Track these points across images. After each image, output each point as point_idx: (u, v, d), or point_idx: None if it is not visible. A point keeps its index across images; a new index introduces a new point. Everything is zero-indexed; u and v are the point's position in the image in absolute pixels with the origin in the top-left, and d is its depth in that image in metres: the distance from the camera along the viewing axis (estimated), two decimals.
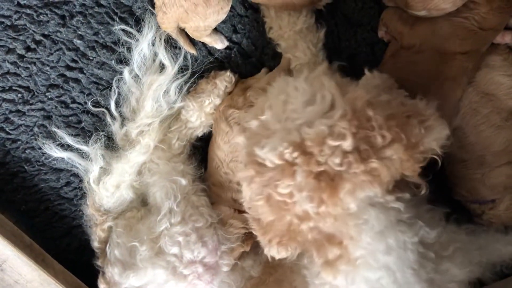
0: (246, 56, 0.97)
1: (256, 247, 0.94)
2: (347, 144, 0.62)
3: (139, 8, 0.95)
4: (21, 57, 0.99)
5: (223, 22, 0.92)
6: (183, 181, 0.92)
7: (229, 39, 0.96)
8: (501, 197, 0.93)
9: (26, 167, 1.10)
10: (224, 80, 0.94)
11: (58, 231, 1.17)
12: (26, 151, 1.08)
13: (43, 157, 1.09)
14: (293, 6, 0.87)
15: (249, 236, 0.90)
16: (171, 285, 0.87)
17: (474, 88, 0.87)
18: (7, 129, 1.06)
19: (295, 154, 0.63)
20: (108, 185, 1.00)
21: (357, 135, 0.63)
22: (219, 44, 0.93)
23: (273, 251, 0.72)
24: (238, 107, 0.90)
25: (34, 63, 0.99)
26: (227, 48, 0.97)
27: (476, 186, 0.92)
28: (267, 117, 0.69)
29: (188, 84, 0.97)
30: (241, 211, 0.91)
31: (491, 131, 0.87)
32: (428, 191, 0.70)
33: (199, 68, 0.96)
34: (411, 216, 0.71)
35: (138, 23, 0.95)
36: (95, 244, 1.06)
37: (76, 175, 1.10)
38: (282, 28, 0.91)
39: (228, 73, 0.95)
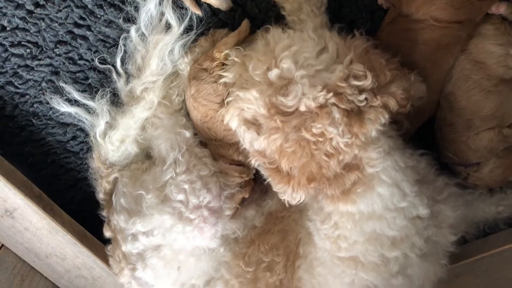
0: (250, 18, 0.98)
1: (258, 198, 1.00)
2: (368, 83, 0.73)
3: None
4: (30, 12, 1.00)
5: None
6: (187, 133, 0.96)
7: (234, 1, 0.97)
8: (485, 160, 0.98)
9: (33, 121, 1.13)
10: (223, 43, 0.96)
11: (64, 183, 1.22)
12: (34, 105, 1.11)
13: (51, 112, 1.11)
14: None
15: (247, 183, 0.95)
16: (177, 229, 0.92)
17: (466, 56, 0.90)
18: (15, 83, 1.08)
19: (329, 95, 0.72)
20: (113, 139, 1.04)
21: (372, 76, 0.73)
22: (224, 5, 0.95)
23: (297, 195, 0.80)
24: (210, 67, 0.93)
25: (43, 19, 1.01)
26: (231, 9, 0.98)
27: (463, 148, 0.97)
28: (286, 66, 0.75)
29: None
30: (233, 163, 0.96)
31: (481, 95, 0.91)
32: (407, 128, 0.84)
33: (204, 29, 0.98)
34: (402, 145, 0.82)
35: None
36: (100, 196, 1.11)
37: (82, 129, 1.13)
38: None
39: (226, 31, 0.96)
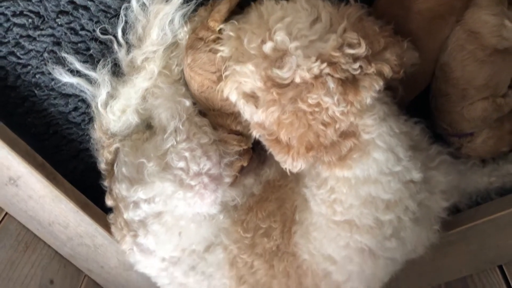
0: None
1: (256, 167, 1.02)
2: (362, 50, 0.74)
3: None
4: None
5: None
6: (187, 102, 0.98)
7: None
8: (478, 131, 1.00)
9: (36, 92, 1.14)
10: (217, 11, 0.95)
11: (65, 154, 1.23)
12: (36, 76, 1.12)
13: (52, 82, 1.13)
14: None
15: (245, 151, 0.98)
16: (178, 195, 0.94)
17: (461, 26, 0.92)
18: (18, 53, 1.09)
19: (323, 66, 0.73)
20: (115, 109, 1.05)
21: (366, 44, 0.75)
22: None
23: (297, 164, 0.82)
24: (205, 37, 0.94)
25: None
26: None
27: (457, 118, 0.99)
28: (280, 38, 0.77)
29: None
30: (232, 131, 0.98)
31: (475, 65, 0.92)
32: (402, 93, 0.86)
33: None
34: (397, 111, 0.85)
35: None
36: (102, 166, 1.13)
37: (83, 100, 1.15)
38: None
39: (223, 6, 0.95)
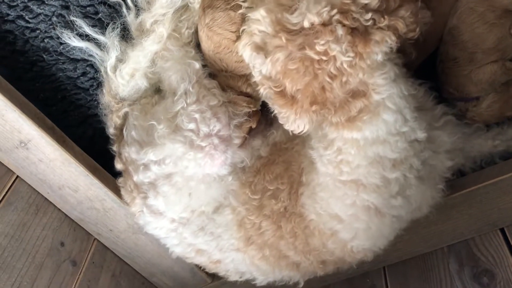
0: None
1: (263, 130, 1.04)
2: (375, 2, 0.73)
3: None
4: None
5: None
6: (197, 65, 0.99)
7: None
8: (484, 95, 1.01)
9: (44, 56, 1.15)
10: None
11: (74, 119, 1.24)
12: (45, 40, 1.12)
13: (61, 47, 1.13)
14: None
15: (254, 113, 0.99)
16: (189, 156, 0.96)
17: None
18: (26, 17, 1.09)
19: (334, 12, 0.73)
20: (124, 73, 1.06)
21: None
22: None
23: (302, 120, 0.82)
24: None
25: None
26: None
27: (464, 82, 1.00)
28: None
29: None
30: (242, 93, 0.99)
31: (485, 28, 0.92)
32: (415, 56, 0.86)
33: None
34: (406, 74, 0.85)
35: None
36: (111, 131, 1.15)
37: (92, 65, 1.15)
38: None
39: None
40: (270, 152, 1.05)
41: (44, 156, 1.13)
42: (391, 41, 0.75)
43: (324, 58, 0.75)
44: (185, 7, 1.02)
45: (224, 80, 1.00)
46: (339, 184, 0.89)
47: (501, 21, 0.92)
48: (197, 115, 0.95)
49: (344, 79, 0.76)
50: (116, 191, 1.18)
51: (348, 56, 0.74)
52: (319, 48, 0.74)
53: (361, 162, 0.85)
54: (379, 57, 0.76)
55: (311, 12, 0.74)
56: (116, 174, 1.18)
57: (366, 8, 0.74)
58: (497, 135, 1.08)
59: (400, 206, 0.88)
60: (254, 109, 0.99)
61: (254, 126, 1.01)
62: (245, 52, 0.83)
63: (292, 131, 0.85)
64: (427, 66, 1.05)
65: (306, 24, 0.75)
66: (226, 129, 0.96)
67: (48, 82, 1.19)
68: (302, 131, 0.84)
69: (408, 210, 0.91)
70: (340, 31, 0.73)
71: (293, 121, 0.83)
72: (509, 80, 1.00)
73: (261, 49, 0.81)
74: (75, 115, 1.25)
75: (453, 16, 0.95)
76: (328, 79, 0.76)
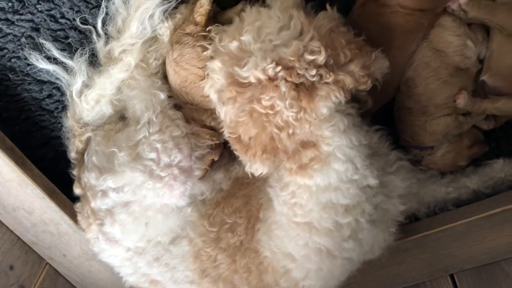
0: None
1: (226, 163, 1.05)
2: (321, 58, 0.76)
3: None
4: None
5: None
6: (162, 95, 1.00)
7: None
8: (439, 145, 1.06)
9: (10, 76, 1.14)
10: (199, 5, 0.97)
11: (36, 140, 1.23)
12: (12, 60, 1.12)
13: (28, 68, 1.13)
14: None
15: (217, 146, 1.01)
16: (148, 185, 0.96)
17: (427, 43, 0.97)
18: None
19: (278, 69, 0.76)
20: (89, 98, 1.06)
21: (327, 52, 0.77)
22: None
23: (256, 166, 0.85)
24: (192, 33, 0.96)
25: None
26: None
27: (418, 132, 1.04)
28: (246, 39, 0.79)
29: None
30: (205, 126, 1.01)
31: (437, 84, 0.98)
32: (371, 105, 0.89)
33: None
34: (360, 123, 0.88)
35: None
36: (72, 154, 1.13)
37: (58, 88, 1.15)
38: None
39: (204, 0, 0.96)
40: (231, 186, 1.06)
41: (0, 177, 1.11)
42: (337, 96, 0.78)
43: (270, 111, 0.78)
44: (154, 39, 1.04)
45: (189, 113, 1.02)
46: (293, 224, 0.91)
47: (452, 79, 0.97)
48: (158, 145, 0.96)
49: (290, 131, 0.80)
50: (73, 216, 1.17)
51: (292, 111, 0.77)
52: (265, 102, 0.78)
53: (314, 207, 0.87)
54: (325, 111, 0.79)
55: (258, 68, 0.78)
56: (74, 198, 1.16)
57: (312, 64, 0.77)
58: (450, 182, 1.12)
59: (352, 249, 0.90)
60: (217, 142, 1.01)
61: (216, 159, 1.02)
62: (210, 93, 0.86)
63: (252, 173, 0.88)
64: (387, 112, 1.10)
65: (252, 79, 0.79)
66: (187, 160, 0.97)
67: (12, 102, 1.18)
68: (261, 173, 0.87)
69: (360, 252, 0.93)
70: (283, 87, 0.76)
71: (250, 165, 0.86)
72: (463, 132, 1.05)
73: (221, 94, 0.83)
74: (38, 137, 1.23)
75: (409, 67, 1.00)
76: (276, 130, 0.80)
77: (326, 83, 0.77)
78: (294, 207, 0.88)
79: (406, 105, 1.03)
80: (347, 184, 0.84)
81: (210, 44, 0.92)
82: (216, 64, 0.84)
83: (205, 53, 0.92)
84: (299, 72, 0.76)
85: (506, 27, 0.93)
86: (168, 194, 0.97)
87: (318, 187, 0.85)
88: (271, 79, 0.78)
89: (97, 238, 1.07)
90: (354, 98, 0.85)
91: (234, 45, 0.82)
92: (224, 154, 1.05)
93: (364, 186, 0.87)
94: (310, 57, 0.77)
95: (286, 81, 0.76)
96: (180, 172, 0.97)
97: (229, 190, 1.05)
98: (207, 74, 0.89)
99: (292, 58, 0.77)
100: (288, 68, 0.77)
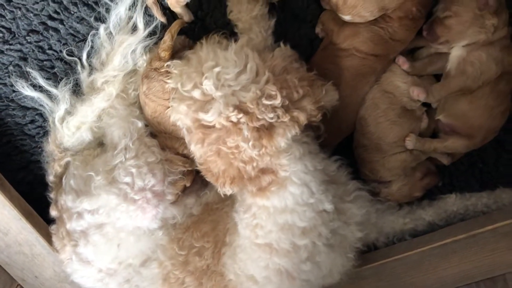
0: (207, 31, 1.09)
1: (198, 189, 1.11)
2: (277, 102, 0.86)
3: None
4: (8, 1, 1.09)
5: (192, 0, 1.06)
6: (139, 124, 1.08)
7: (195, 15, 1.10)
8: (395, 179, 1.14)
9: None
10: (163, 42, 1.04)
11: (16, 164, 1.28)
12: None
13: (13, 94, 1.19)
14: None
15: (189, 172, 1.07)
16: (122, 208, 1.02)
17: (378, 86, 1.07)
18: None
19: (240, 116, 0.85)
20: (70, 125, 1.13)
21: (282, 94, 0.86)
22: (187, 16, 1.07)
23: (226, 190, 0.94)
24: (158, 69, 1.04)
25: (20, 8, 1.10)
26: (192, 22, 1.10)
27: (377, 168, 1.12)
28: (207, 86, 0.88)
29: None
30: (178, 153, 1.08)
31: (387, 124, 1.07)
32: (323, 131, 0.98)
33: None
34: (316, 150, 0.96)
35: None
36: (51, 178, 1.18)
37: (41, 114, 1.22)
38: (241, 12, 1.06)
39: (167, 37, 1.03)
40: (201, 211, 1.12)
41: None
42: (293, 132, 0.88)
43: (235, 151, 0.88)
44: (134, 71, 1.12)
45: (163, 141, 1.09)
46: (254, 247, 0.97)
47: (400, 120, 1.07)
48: (134, 170, 1.02)
49: (255, 164, 0.89)
50: (48, 237, 1.20)
51: (255, 150, 0.87)
52: (230, 144, 0.87)
53: (272, 228, 0.94)
54: (283, 145, 0.88)
55: (221, 115, 0.87)
56: (50, 221, 1.20)
57: (270, 107, 0.86)
58: (407, 214, 1.20)
59: (310, 271, 0.96)
60: (189, 168, 1.07)
61: (188, 184, 1.09)
62: (178, 123, 0.95)
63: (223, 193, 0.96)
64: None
65: (217, 125, 0.88)
66: (160, 185, 1.04)
67: None
68: (230, 193, 0.95)
69: (318, 275, 0.99)
70: (246, 131, 0.86)
71: (220, 189, 0.95)
72: (417, 165, 1.14)
73: (188, 133, 0.92)
74: (17, 160, 1.28)
75: (362, 107, 1.09)
76: (242, 164, 0.89)
77: (283, 122, 0.87)
78: (255, 228, 0.95)
79: (362, 142, 1.12)
80: (303, 207, 0.92)
81: (168, 78, 1.00)
82: (182, 108, 0.92)
83: (166, 86, 1.00)
84: (259, 116, 0.86)
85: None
86: (140, 216, 1.03)
87: (276, 208, 0.92)
88: (234, 124, 0.87)
89: (70, 259, 1.11)
90: (308, 126, 0.94)
91: (197, 92, 0.90)
92: (195, 180, 1.11)
93: (320, 211, 0.94)
94: (268, 102, 0.86)
95: (248, 125, 0.86)
96: (153, 196, 1.03)
97: (199, 215, 1.11)
98: (171, 106, 0.97)
99: (251, 106, 0.86)
100: (248, 114, 0.86)
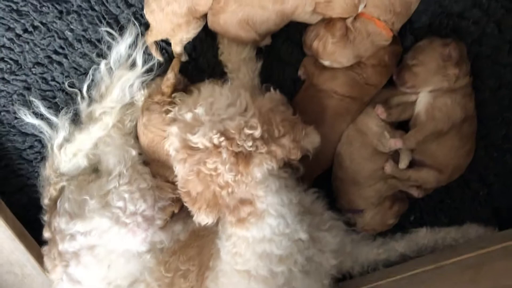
0: (200, 70, 1.22)
1: (185, 216, 1.18)
2: (257, 132, 0.93)
3: (124, 18, 1.18)
4: (18, 36, 1.19)
5: (187, 42, 1.17)
6: (133, 152, 1.16)
7: (189, 55, 1.21)
8: (368, 208, 1.21)
9: None
10: (166, 79, 1.14)
11: (12, 186, 1.35)
12: (1, 113, 1.27)
13: (15, 121, 1.27)
14: (241, 41, 1.14)
15: (177, 199, 1.14)
16: (113, 231, 1.08)
17: (354, 125, 1.17)
18: None
19: (222, 139, 0.92)
20: (68, 151, 1.20)
21: (263, 128, 0.94)
22: (183, 56, 1.18)
23: (201, 217, 0.99)
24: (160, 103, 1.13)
25: (28, 43, 1.20)
26: (186, 61, 1.21)
27: (352, 198, 1.21)
28: (199, 112, 0.97)
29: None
30: (168, 181, 1.15)
31: (361, 160, 1.16)
32: (303, 172, 1.05)
33: (162, 72, 1.20)
34: (293, 185, 1.03)
35: (120, 29, 1.19)
36: (45, 201, 1.24)
37: (40, 141, 1.29)
38: (231, 54, 1.17)
39: (170, 74, 1.14)
40: (188, 237, 1.18)
41: None
42: (269, 164, 0.95)
43: (213, 173, 0.94)
44: (131, 103, 1.21)
45: (155, 169, 1.17)
46: (234, 272, 1.02)
47: (373, 157, 1.16)
48: (126, 195, 1.09)
49: (230, 190, 0.95)
50: (39, 258, 1.25)
51: (231, 174, 0.93)
52: (209, 165, 0.94)
53: (251, 256, 0.99)
54: (259, 175, 0.95)
55: (205, 137, 0.94)
56: (41, 243, 1.24)
57: (250, 136, 0.94)
58: (381, 245, 1.26)
59: None
60: (178, 196, 1.14)
61: (176, 211, 1.16)
62: (170, 150, 1.02)
63: (198, 223, 1.01)
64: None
65: (201, 146, 0.95)
66: (150, 210, 1.11)
67: None
68: (206, 223, 1.00)
69: None
70: (225, 154, 0.92)
71: (197, 216, 1.00)
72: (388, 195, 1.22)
73: (175, 156, 0.99)
74: (14, 183, 1.35)
75: (339, 143, 1.18)
76: (218, 189, 0.95)
77: (261, 153, 0.94)
78: (235, 256, 1.00)
79: (339, 175, 1.21)
80: (279, 236, 0.98)
81: (172, 107, 1.09)
82: (174, 129, 1.00)
83: (168, 115, 1.08)
84: (239, 143, 0.93)
85: None
86: (131, 238, 1.09)
87: (254, 238, 0.98)
88: (215, 147, 0.94)
89: (61, 279, 1.15)
90: (288, 165, 1.02)
91: (189, 115, 0.98)
92: (183, 208, 1.17)
93: (296, 239, 1.01)
94: (249, 131, 0.93)
95: (228, 149, 0.93)
96: (143, 220, 1.10)
97: (186, 241, 1.17)
98: (168, 135, 1.04)
99: (233, 132, 0.93)
100: (229, 139, 0.93)
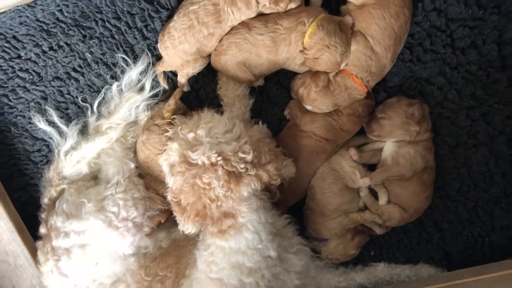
0: (199, 101, 1.37)
1: (169, 226, 1.31)
2: (249, 157, 1.09)
3: (139, 48, 1.33)
4: (44, 52, 1.34)
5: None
6: (132, 165, 1.30)
7: (192, 87, 1.36)
8: (332, 238, 1.35)
9: (12, 128, 1.42)
10: (167, 104, 1.30)
11: (16, 184, 1.48)
12: (17, 117, 1.41)
13: (29, 125, 1.41)
14: (238, 79, 1.30)
15: (165, 211, 1.28)
16: (105, 233, 1.21)
17: (328, 163, 1.32)
18: (10, 97, 1.39)
19: (219, 158, 1.08)
20: (73, 157, 1.34)
21: (253, 154, 1.09)
22: (186, 87, 1.34)
23: (188, 226, 1.11)
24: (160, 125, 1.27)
25: (51, 59, 1.35)
26: (188, 92, 1.35)
27: (319, 228, 1.35)
28: (200, 133, 1.12)
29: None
30: (159, 194, 1.29)
31: (331, 195, 1.30)
32: (279, 197, 1.18)
33: (165, 98, 1.36)
34: (269, 207, 1.17)
35: (134, 57, 1.34)
36: (45, 201, 1.37)
37: (48, 146, 1.43)
38: (228, 90, 1.32)
39: (171, 101, 1.29)
40: (169, 245, 1.30)
41: None
42: (255, 185, 1.09)
43: (207, 187, 1.08)
44: (135, 122, 1.35)
45: (148, 182, 1.31)
46: (208, 280, 1.13)
47: (341, 193, 1.31)
48: (121, 202, 1.23)
49: (219, 203, 1.09)
50: (33, 251, 1.37)
51: (223, 189, 1.07)
52: (205, 180, 1.08)
53: (225, 265, 1.11)
54: (246, 193, 1.09)
55: (204, 155, 1.09)
56: (36, 238, 1.37)
57: (243, 160, 1.09)
58: (342, 274, 1.38)
59: None
60: (166, 207, 1.28)
61: (163, 221, 1.29)
62: (164, 165, 1.16)
63: (183, 231, 1.14)
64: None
65: (199, 162, 1.09)
66: (140, 217, 1.24)
67: (5, 149, 1.44)
68: (190, 232, 1.14)
69: None
70: (220, 172, 1.07)
71: (183, 224, 1.13)
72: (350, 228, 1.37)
73: (172, 168, 1.13)
74: (18, 181, 1.48)
75: (313, 178, 1.33)
76: (208, 201, 1.09)
77: (249, 174, 1.09)
78: (211, 264, 1.12)
79: (310, 206, 1.35)
80: (252, 250, 1.11)
81: (170, 127, 1.23)
82: (174, 145, 1.14)
83: (166, 134, 1.22)
84: (233, 164, 1.08)
85: None
86: (120, 241, 1.22)
87: (231, 249, 1.11)
88: (212, 164, 1.08)
89: (51, 271, 1.27)
90: (267, 189, 1.16)
91: (191, 135, 1.13)
92: (169, 218, 1.31)
93: (266, 256, 1.13)
94: (242, 155, 1.09)
95: (223, 168, 1.08)
96: (133, 226, 1.23)
97: (167, 249, 1.29)
98: (164, 150, 1.19)
99: (230, 154, 1.08)
100: (225, 159, 1.08)
